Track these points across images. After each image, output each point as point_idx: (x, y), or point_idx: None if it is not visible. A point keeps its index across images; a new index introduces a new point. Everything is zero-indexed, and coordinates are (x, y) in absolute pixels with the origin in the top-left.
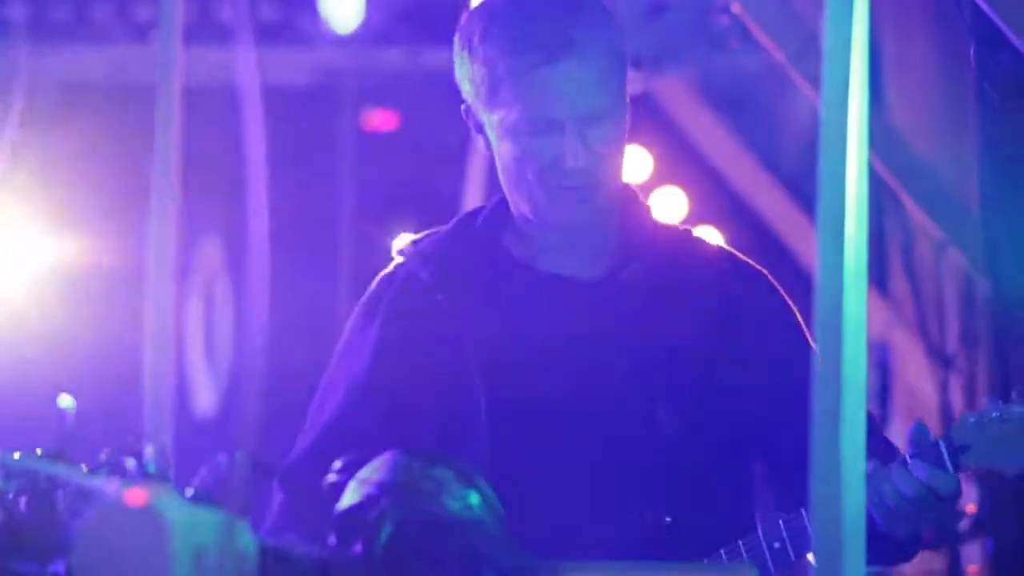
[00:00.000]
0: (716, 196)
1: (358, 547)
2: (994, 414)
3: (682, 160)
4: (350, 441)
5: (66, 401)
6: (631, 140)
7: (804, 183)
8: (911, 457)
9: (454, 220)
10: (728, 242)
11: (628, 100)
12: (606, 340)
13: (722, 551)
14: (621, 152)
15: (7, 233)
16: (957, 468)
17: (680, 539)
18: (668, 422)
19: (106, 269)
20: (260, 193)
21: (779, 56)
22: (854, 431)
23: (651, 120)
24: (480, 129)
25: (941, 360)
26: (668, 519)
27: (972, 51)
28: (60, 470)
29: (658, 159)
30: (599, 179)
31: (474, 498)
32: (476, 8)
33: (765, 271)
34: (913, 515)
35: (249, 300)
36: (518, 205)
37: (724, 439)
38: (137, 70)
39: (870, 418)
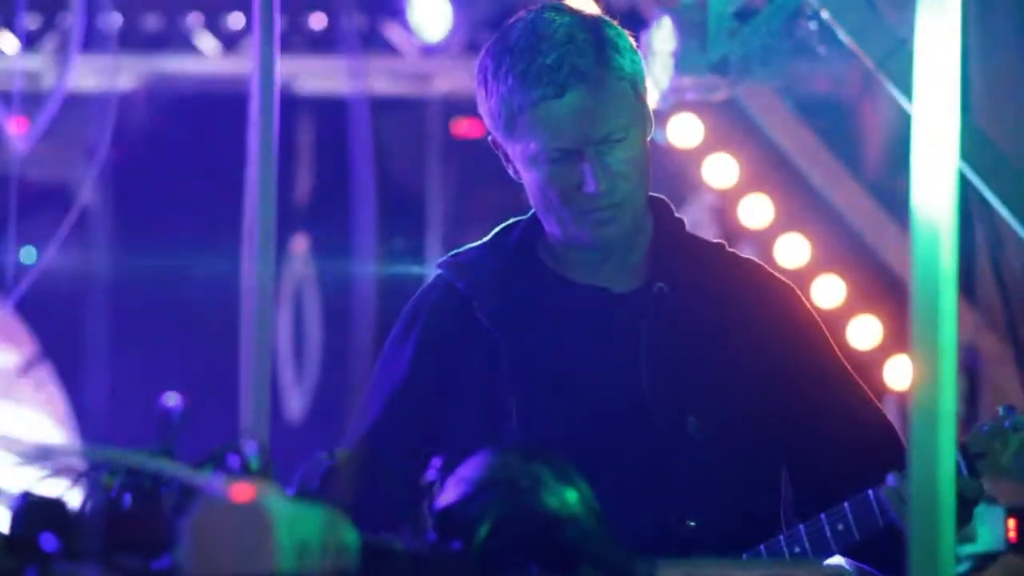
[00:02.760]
0: (803, 203)
1: (457, 543)
2: (1006, 424)
3: (769, 166)
4: (384, 452)
5: (172, 399)
6: (719, 147)
7: (891, 189)
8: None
9: (491, 234)
10: (815, 248)
11: (645, 118)
12: (638, 350)
13: (781, 536)
14: (643, 170)
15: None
16: (975, 474)
17: (703, 543)
18: (697, 430)
19: (205, 270)
20: (368, 197)
21: (867, 61)
22: (947, 428)
23: (738, 126)
24: (507, 158)
25: None
26: (691, 523)
27: None
28: (165, 466)
29: (745, 165)
30: (623, 199)
31: (571, 494)
32: (489, 45)
33: (792, 285)
34: None
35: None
36: (549, 226)
37: (751, 447)
38: (227, 78)
39: (893, 430)
